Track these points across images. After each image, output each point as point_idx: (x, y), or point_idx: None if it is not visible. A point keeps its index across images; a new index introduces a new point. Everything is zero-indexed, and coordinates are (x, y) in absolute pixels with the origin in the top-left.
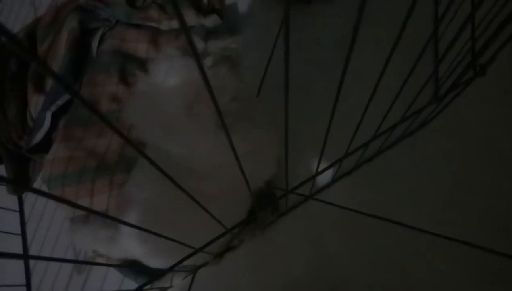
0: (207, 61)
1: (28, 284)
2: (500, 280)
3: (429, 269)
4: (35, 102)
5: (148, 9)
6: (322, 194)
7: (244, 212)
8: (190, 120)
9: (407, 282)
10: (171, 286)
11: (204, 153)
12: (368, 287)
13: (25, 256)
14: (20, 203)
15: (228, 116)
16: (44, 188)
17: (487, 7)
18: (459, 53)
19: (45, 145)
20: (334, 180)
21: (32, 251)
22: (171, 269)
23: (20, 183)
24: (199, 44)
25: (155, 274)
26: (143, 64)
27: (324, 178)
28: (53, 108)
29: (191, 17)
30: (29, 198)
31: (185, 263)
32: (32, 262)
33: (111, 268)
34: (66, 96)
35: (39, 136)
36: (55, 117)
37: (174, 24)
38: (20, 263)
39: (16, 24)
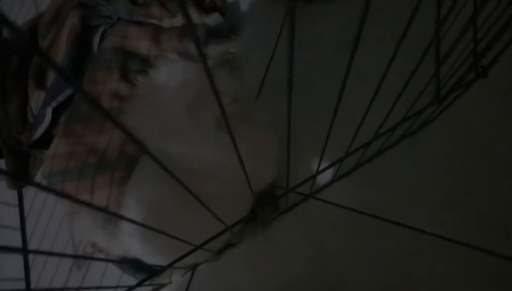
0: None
1: (27, 279)
2: (500, 282)
3: (428, 269)
4: (36, 98)
5: (149, 7)
6: (322, 193)
7: (245, 212)
8: (191, 121)
9: (407, 282)
10: (170, 283)
11: (205, 154)
12: (367, 286)
13: (24, 250)
14: (20, 198)
15: (229, 117)
16: (44, 184)
17: (490, 9)
18: (461, 54)
19: (46, 141)
20: (335, 179)
21: (32, 246)
22: (170, 266)
23: (22, 177)
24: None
25: (154, 271)
26: (144, 62)
27: (324, 177)
28: (54, 104)
29: (193, 15)
30: (29, 193)
31: (185, 261)
32: (31, 257)
33: (110, 264)
34: (67, 92)
35: (39, 132)
36: (56, 113)
37: (176, 21)
38: (19, 258)
39: (17, 22)
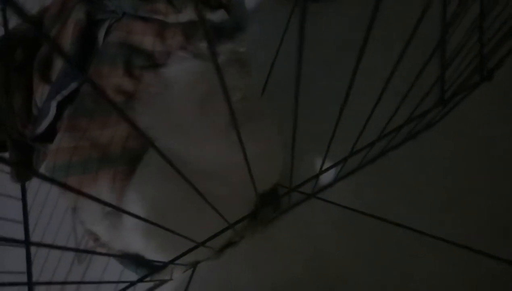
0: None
1: (29, 271)
2: (499, 283)
3: (429, 270)
4: (41, 91)
5: (155, 2)
6: (324, 193)
7: (247, 212)
8: (202, 119)
9: (407, 283)
10: (171, 279)
11: (214, 152)
12: (367, 287)
13: (27, 242)
14: (23, 190)
15: (239, 114)
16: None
17: (496, 12)
18: (466, 56)
19: (50, 135)
20: (337, 179)
21: (34, 239)
22: (171, 262)
23: (29, 167)
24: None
25: (155, 267)
26: (149, 57)
27: (327, 177)
28: (59, 97)
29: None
30: (32, 187)
31: (186, 258)
32: (33, 250)
33: (112, 259)
34: (72, 86)
35: (43, 125)
36: (60, 107)
37: (181, 17)
38: (21, 251)
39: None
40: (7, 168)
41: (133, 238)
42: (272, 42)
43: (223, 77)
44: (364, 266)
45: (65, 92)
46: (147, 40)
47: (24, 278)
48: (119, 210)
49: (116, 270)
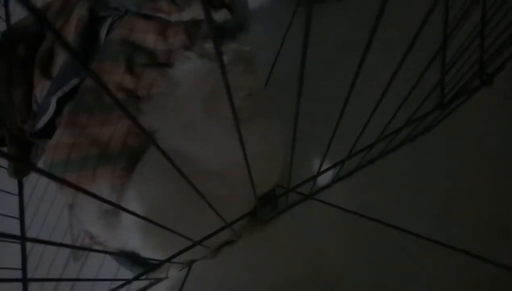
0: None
1: (23, 268)
2: (500, 284)
3: (427, 271)
4: (41, 87)
5: (158, 0)
6: (322, 194)
7: (245, 212)
8: (208, 119)
9: (405, 284)
10: (166, 278)
11: (219, 151)
12: (366, 287)
13: (22, 238)
14: (20, 186)
15: (244, 112)
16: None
17: (497, 17)
18: (467, 61)
19: (49, 131)
20: (335, 181)
21: (30, 235)
22: (168, 260)
23: (27, 162)
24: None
25: (151, 265)
26: (151, 55)
27: (324, 178)
28: (59, 93)
29: (201, 11)
30: (29, 182)
31: (182, 257)
32: (29, 246)
33: (108, 257)
34: (72, 82)
35: (43, 121)
36: (60, 103)
37: (184, 16)
38: (17, 248)
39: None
40: (4, 163)
41: (131, 236)
42: (273, 42)
43: (226, 76)
44: (363, 266)
45: (66, 88)
46: (149, 38)
47: (18, 275)
48: (118, 207)
49: (111, 268)
